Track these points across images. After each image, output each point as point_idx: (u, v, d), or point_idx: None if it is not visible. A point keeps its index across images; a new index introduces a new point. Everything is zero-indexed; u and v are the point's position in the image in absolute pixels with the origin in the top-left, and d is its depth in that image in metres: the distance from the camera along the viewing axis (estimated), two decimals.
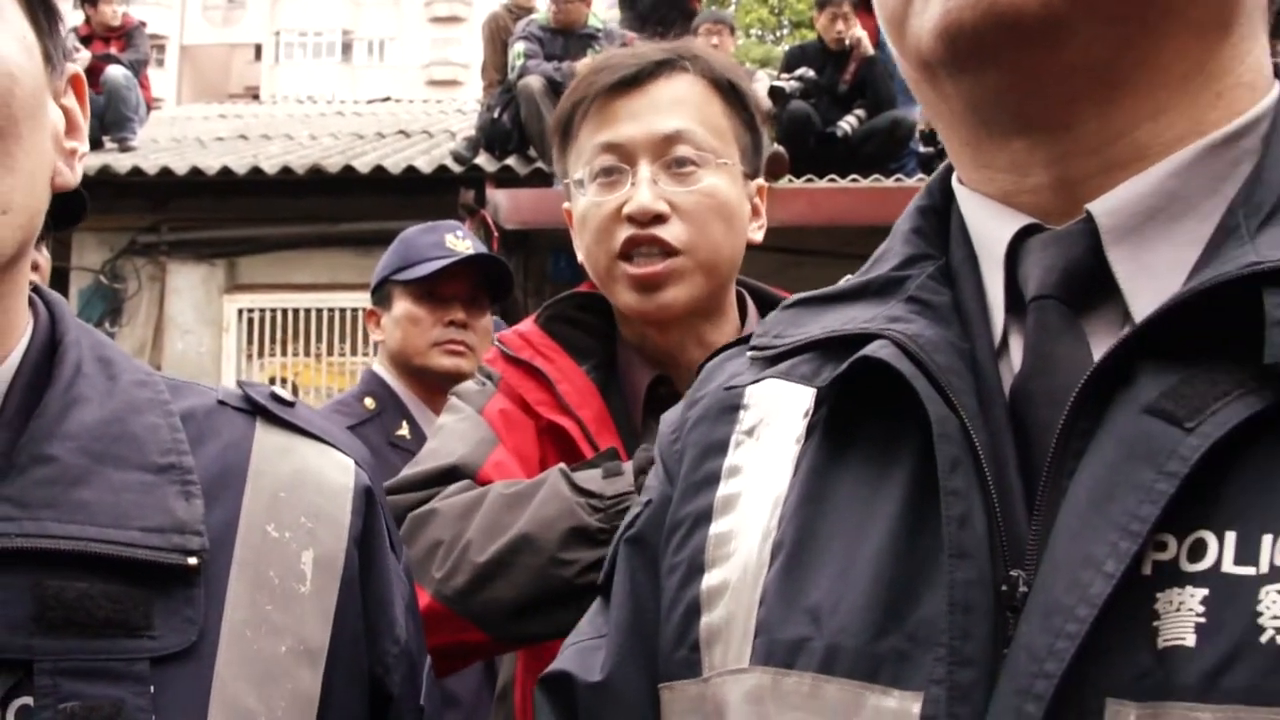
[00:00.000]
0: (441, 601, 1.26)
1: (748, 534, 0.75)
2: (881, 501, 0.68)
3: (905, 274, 0.74)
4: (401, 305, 2.60)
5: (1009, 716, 0.56)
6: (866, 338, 0.70)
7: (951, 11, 0.63)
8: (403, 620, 0.91)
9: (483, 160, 7.45)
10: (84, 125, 0.85)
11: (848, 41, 7.21)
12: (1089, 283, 0.65)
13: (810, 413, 0.76)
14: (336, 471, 0.88)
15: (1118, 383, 0.59)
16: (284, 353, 7.94)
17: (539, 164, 7.07)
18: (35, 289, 0.85)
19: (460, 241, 2.61)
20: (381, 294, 2.65)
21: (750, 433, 0.79)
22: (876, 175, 6.90)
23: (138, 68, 9.01)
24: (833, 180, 6.81)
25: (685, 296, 1.42)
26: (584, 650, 0.84)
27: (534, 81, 6.78)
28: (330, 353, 7.91)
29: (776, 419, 0.78)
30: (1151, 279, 0.63)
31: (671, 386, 1.47)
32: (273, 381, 8.22)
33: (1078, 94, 0.64)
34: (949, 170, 0.79)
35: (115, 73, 8.57)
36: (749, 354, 0.83)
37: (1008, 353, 0.68)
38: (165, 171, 7.58)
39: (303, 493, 0.85)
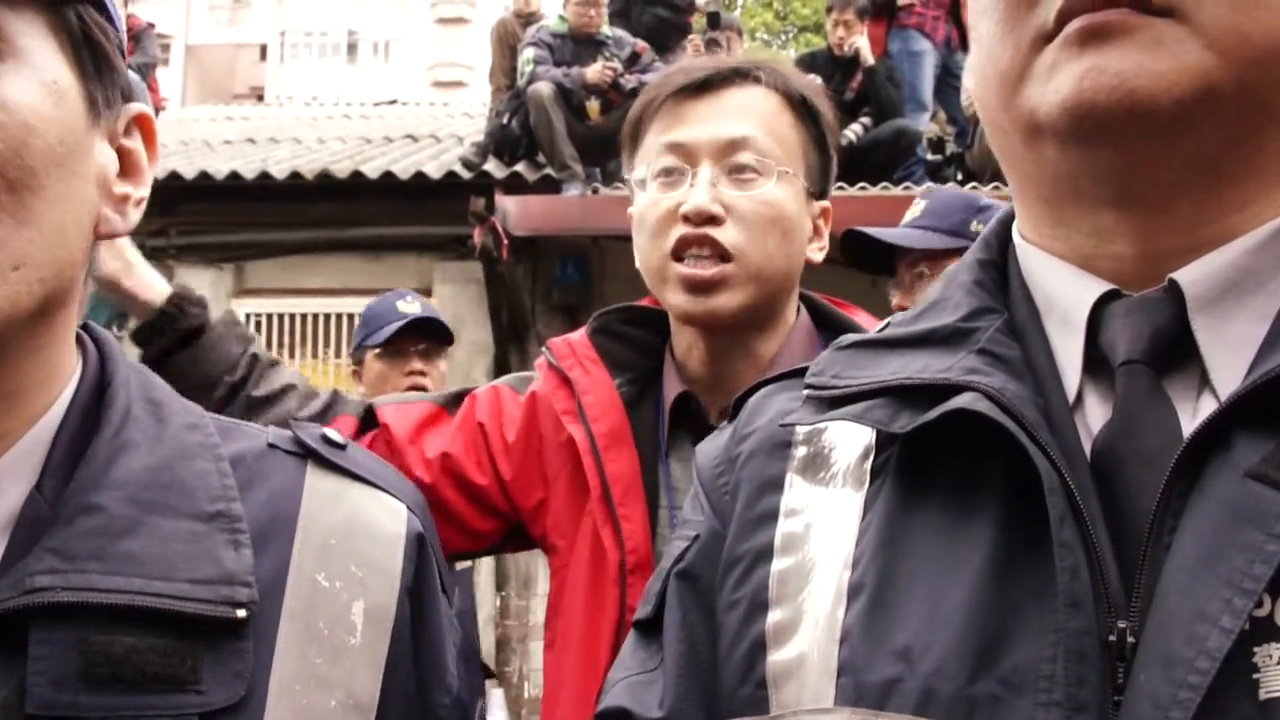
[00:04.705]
0: None
1: (818, 573, 0.75)
2: (965, 548, 0.69)
3: (973, 325, 0.75)
4: (373, 367, 3.25)
5: None
6: (948, 387, 0.71)
7: (1085, 92, 0.64)
8: (454, 668, 0.89)
9: (491, 166, 7.44)
10: (146, 168, 0.82)
11: (847, 49, 7.20)
12: (1171, 348, 0.68)
13: (873, 455, 0.76)
14: (388, 518, 0.85)
15: (1211, 448, 0.62)
16: (291, 357, 7.93)
17: (548, 170, 7.06)
18: (84, 326, 0.83)
19: (410, 305, 3.26)
20: (357, 359, 3.36)
21: (804, 470, 0.80)
22: (884, 183, 6.90)
23: (145, 70, 9.01)
24: (841, 188, 6.80)
25: (735, 303, 1.42)
26: (635, 685, 0.82)
27: (543, 88, 6.76)
28: (338, 357, 7.89)
29: (836, 459, 0.79)
30: (1229, 348, 0.66)
31: (699, 402, 1.47)
32: None
33: (1181, 181, 0.67)
34: (1005, 225, 0.80)
35: None
36: (805, 392, 0.83)
37: (1083, 411, 0.70)
38: (174, 176, 7.56)
39: (354, 540, 0.82)
